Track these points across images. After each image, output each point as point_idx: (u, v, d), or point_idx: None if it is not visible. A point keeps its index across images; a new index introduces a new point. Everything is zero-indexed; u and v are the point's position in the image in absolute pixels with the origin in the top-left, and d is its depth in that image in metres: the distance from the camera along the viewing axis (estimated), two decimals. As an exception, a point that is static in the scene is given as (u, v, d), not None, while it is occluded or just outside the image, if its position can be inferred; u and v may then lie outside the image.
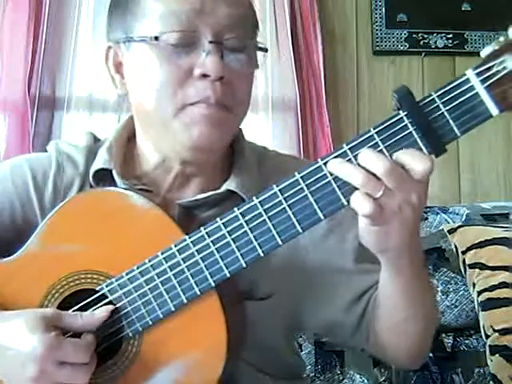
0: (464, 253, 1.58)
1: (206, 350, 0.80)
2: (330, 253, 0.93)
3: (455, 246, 1.61)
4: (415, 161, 0.69)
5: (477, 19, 2.38)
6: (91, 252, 0.83)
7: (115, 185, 0.89)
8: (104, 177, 0.91)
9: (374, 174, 0.69)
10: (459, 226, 1.63)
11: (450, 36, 2.39)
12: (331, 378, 1.54)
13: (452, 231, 1.62)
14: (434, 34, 2.38)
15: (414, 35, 2.37)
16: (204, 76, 0.82)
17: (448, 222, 1.68)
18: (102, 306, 0.81)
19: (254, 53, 0.88)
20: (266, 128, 2.27)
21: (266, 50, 0.89)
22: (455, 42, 2.39)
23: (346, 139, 2.01)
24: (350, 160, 0.71)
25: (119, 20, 0.89)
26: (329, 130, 2.24)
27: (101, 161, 0.92)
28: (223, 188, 0.89)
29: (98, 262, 0.82)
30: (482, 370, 1.56)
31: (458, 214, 1.70)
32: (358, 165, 0.70)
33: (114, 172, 0.90)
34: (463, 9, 2.39)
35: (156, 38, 0.83)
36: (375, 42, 2.37)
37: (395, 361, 0.98)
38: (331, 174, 0.72)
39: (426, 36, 2.38)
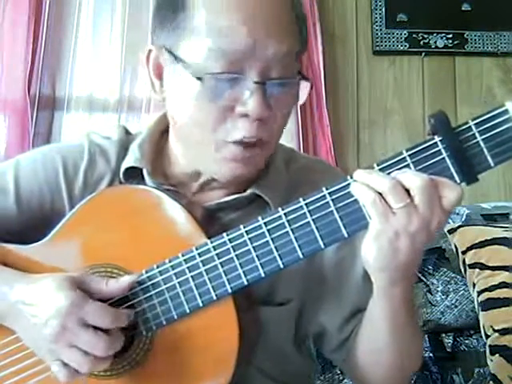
0: (464, 253, 1.59)
1: (217, 357, 0.80)
2: (342, 263, 0.92)
3: (455, 246, 1.61)
4: (449, 188, 0.69)
5: (477, 19, 2.38)
6: (114, 246, 0.84)
7: (144, 182, 0.89)
8: (134, 173, 0.91)
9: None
10: (459, 226, 1.63)
11: (450, 36, 2.38)
12: (331, 378, 1.54)
13: (452, 231, 1.63)
14: (434, 34, 2.38)
15: (414, 35, 2.37)
16: (245, 115, 0.80)
17: (448, 222, 1.68)
18: (118, 301, 0.81)
19: (297, 86, 0.85)
20: (266, 128, 2.26)
21: (309, 80, 0.86)
22: (455, 42, 2.39)
23: (346, 139, 2.03)
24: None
25: (166, 27, 0.84)
26: (329, 129, 2.24)
27: (132, 158, 0.92)
28: (249, 191, 0.89)
29: (120, 256, 0.83)
30: (482, 370, 1.56)
31: (458, 214, 1.71)
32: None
33: (145, 171, 0.90)
34: (463, 9, 2.39)
35: (200, 79, 0.79)
36: (375, 42, 2.37)
37: None
38: None
39: (426, 36, 2.38)
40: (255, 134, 0.82)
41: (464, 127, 0.69)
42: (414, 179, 0.68)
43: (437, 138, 0.70)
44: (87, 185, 0.92)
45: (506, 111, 0.68)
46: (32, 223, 0.91)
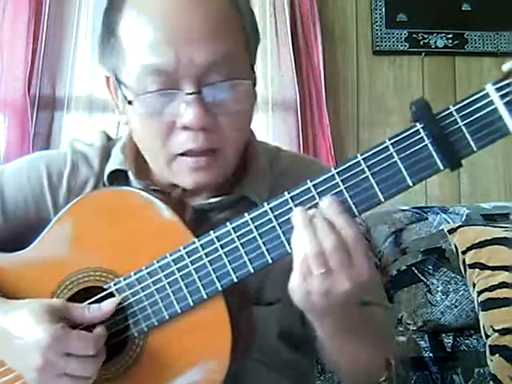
0: (464, 253, 1.59)
1: (210, 356, 0.79)
2: None
3: (455, 246, 1.61)
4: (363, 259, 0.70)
5: (477, 19, 2.38)
6: (101, 250, 0.83)
7: (129, 185, 0.89)
8: (119, 177, 0.91)
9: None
10: (459, 226, 1.63)
11: (450, 36, 2.39)
12: (331, 378, 1.54)
13: (452, 231, 1.63)
14: (434, 34, 2.38)
15: (414, 35, 2.37)
16: (186, 127, 0.80)
17: (448, 222, 1.68)
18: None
19: (245, 87, 0.83)
20: (266, 128, 2.26)
21: (254, 83, 0.85)
22: (455, 42, 2.39)
23: (346, 139, 2.03)
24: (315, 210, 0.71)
25: (107, 53, 0.86)
26: (329, 129, 2.24)
27: (116, 161, 0.92)
28: (235, 193, 0.89)
29: (108, 260, 0.82)
30: (481, 370, 1.56)
31: (458, 214, 1.71)
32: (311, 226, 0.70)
33: (130, 173, 0.90)
34: (463, 9, 2.39)
35: (130, 103, 0.81)
36: (375, 42, 2.37)
37: None
38: (343, 183, 0.71)
39: (426, 36, 2.38)
40: (202, 144, 0.81)
41: (445, 113, 0.69)
42: (329, 239, 0.69)
43: (418, 126, 0.70)
44: (71, 191, 0.92)
45: (487, 95, 0.68)
46: (18, 232, 0.90)
